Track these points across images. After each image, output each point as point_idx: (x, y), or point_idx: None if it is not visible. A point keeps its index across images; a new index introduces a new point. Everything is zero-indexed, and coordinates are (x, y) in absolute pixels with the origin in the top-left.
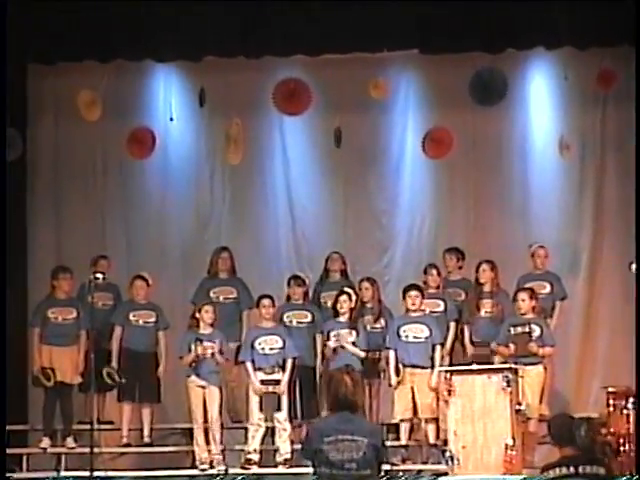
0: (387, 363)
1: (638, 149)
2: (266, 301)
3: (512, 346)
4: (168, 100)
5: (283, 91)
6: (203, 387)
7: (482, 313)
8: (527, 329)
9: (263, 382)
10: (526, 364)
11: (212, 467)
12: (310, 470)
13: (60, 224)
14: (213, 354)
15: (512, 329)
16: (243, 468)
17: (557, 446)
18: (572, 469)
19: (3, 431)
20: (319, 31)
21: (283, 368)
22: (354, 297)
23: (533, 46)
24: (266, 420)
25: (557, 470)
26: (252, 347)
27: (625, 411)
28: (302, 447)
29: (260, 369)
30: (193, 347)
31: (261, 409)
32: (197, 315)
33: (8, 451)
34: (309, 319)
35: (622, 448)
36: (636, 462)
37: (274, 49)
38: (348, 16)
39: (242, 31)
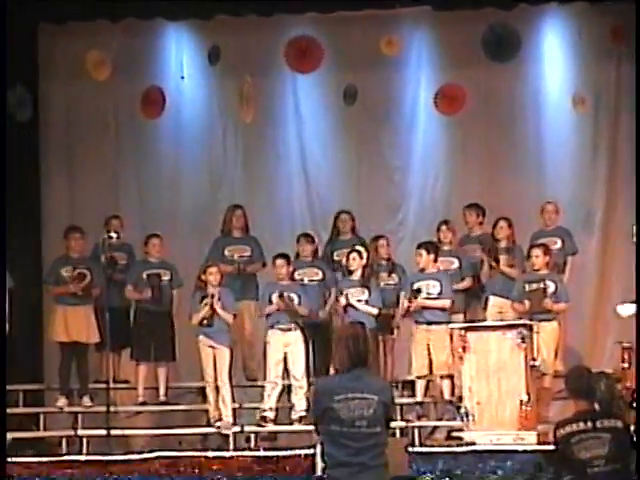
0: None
1: None
2: (281, 261)
3: (527, 302)
4: (179, 59)
5: (295, 49)
6: (213, 347)
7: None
8: (542, 285)
9: (280, 338)
10: (540, 320)
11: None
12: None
13: (73, 184)
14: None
15: (527, 285)
16: (258, 425)
17: (573, 399)
18: (589, 424)
19: (3, 431)
20: None
21: (299, 324)
22: (365, 255)
23: (546, 1)
24: (283, 378)
25: (574, 426)
26: (270, 302)
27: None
28: (311, 406)
29: (277, 325)
30: (201, 306)
31: (278, 366)
32: (203, 277)
33: (25, 410)
34: (320, 276)
35: (635, 403)
36: (637, 459)
37: (285, 7)
38: None
39: None
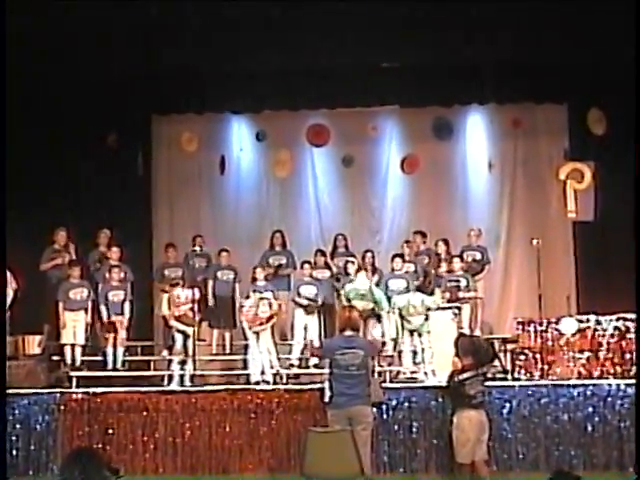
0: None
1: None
2: (307, 265)
3: (448, 293)
4: (239, 137)
5: (312, 131)
6: None
7: (439, 271)
8: (457, 282)
9: (302, 315)
10: (462, 303)
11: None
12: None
13: (172, 215)
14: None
15: (448, 282)
16: (287, 369)
17: (460, 356)
18: (474, 372)
19: (3, 435)
20: (337, 92)
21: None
22: (357, 262)
23: (471, 102)
24: (304, 338)
25: (466, 374)
26: (298, 293)
27: (527, 332)
28: (322, 356)
29: (302, 305)
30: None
31: (300, 332)
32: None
33: (141, 358)
34: (329, 275)
35: (524, 357)
36: (636, 460)
37: (306, 104)
38: (357, 83)
39: (287, 93)
